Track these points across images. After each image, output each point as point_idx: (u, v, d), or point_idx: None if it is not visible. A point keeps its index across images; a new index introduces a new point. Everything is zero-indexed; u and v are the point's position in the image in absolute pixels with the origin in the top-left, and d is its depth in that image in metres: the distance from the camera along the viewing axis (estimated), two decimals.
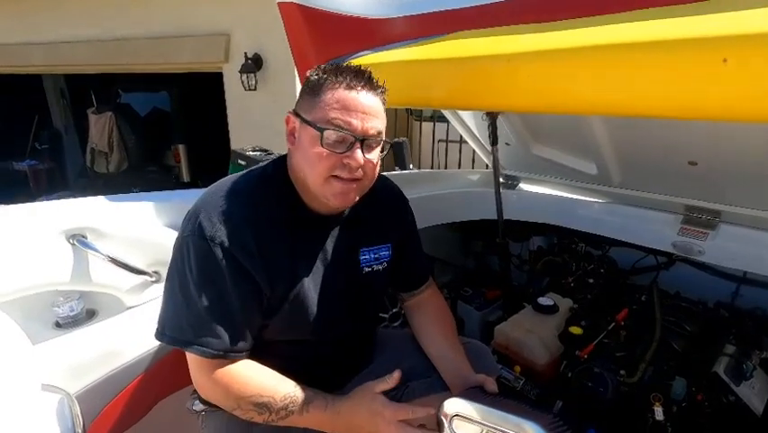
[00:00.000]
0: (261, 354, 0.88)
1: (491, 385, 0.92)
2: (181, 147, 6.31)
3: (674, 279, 1.72)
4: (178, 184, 6.55)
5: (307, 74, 0.87)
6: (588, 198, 1.88)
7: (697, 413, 1.19)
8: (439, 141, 4.74)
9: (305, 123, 0.84)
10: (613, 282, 1.76)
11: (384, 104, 0.88)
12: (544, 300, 1.57)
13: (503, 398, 0.89)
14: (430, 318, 1.11)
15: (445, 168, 4.02)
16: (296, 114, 0.87)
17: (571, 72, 0.78)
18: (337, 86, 0.82)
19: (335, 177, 0.83)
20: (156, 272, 1.32)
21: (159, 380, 1.30)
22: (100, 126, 6.29)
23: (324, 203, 0.88)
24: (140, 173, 6.67)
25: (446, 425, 0.82)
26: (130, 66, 5.10)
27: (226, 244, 0.80)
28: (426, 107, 1.19)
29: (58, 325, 1.25)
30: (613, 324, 1.44)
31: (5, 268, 1.07)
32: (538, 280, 1.99)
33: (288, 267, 0.88)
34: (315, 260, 0.93)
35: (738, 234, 1.45)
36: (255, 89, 4.15)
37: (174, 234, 1.30)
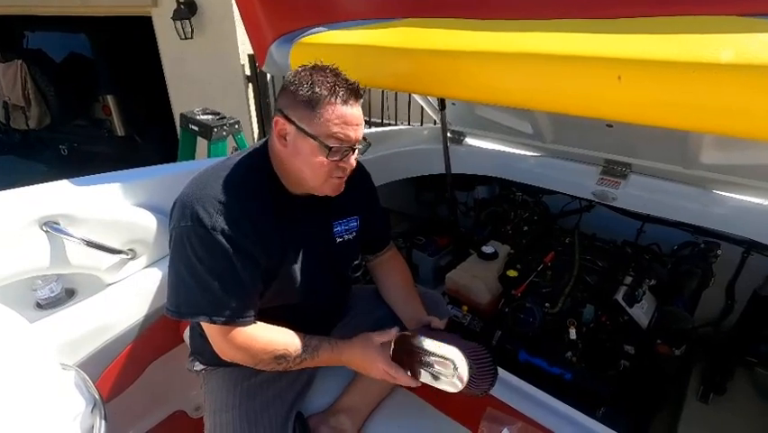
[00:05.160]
0: (261, 317, 1.02)
1: (436, 323, 1.13)
2: (110, 98, 5.76)
3: (593, 222, 2.01)
4: (112, 139, 6.07)
5: (289, 79, 0.95)
6: (524, 153, 2.07)
7: (600, 331, 1.50)
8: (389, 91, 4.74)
9: (304, 133, 0.93)
10: (543, 229, 2.03)
11: None
12: (487, 249, 1.80)
13: (444, 332, 1.10)
14: (392, 275, 1.30)
15: (396, 118, 4.10)
16: (287, 119, 0.95)
17: (504, 72, 0.92)
18: (335, 101, 0.91)
19: (331, 176, 0.98)
20: (131, 250, 1.38)
21: (148, 345, 1.42)
22: (10, 76, 5.53)
23: (308, 190, 1.02)
24: (67, 128, 6.10)
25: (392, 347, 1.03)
26: (40, 8, 4.48)
27: (227, 231, 0.91)
28: (376, 88, 1.25)
29: (39, 306, 1.31)
30: (542, 265, 1.70)
31: None
32: (482, 228, 2.23)
33: (277, 243, 1.01)
34: (297, 235, 1.06)
35: (644, 183, 1.70)
36: (192, 37, 3.85)
37: (143, 213, 1.37)
